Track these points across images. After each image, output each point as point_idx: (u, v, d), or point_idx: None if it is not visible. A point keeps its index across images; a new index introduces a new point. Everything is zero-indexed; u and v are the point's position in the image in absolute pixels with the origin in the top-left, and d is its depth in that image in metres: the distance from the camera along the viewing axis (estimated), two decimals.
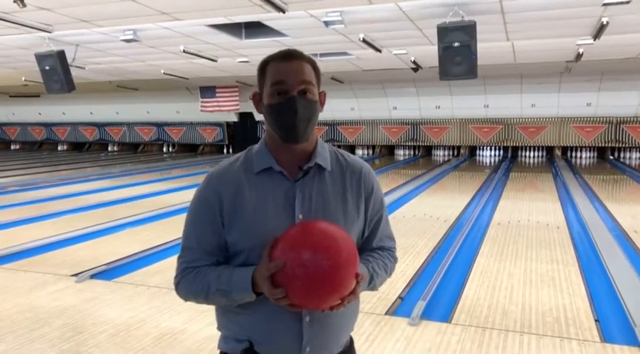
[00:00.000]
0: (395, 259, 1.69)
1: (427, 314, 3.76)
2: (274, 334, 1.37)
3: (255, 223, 1.36)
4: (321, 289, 1.25)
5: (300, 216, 1.37)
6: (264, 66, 1.39)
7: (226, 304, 1.38)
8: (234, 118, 19.30)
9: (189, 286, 1.40)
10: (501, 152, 17.39)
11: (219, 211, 1.38)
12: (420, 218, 7.33)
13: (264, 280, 1.27)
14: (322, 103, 1.43)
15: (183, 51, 9.43)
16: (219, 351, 1.48)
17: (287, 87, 1.34)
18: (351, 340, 1.54)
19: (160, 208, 8.08)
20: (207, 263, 1.40)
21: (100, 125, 21.94)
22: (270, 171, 1.39)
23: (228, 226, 1.37)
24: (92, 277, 4.75)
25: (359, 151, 19.01)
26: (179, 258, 1.45)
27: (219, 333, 1.50)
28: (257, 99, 1.42)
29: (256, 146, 1.45)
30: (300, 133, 1.36)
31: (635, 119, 15.55)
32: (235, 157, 1.45)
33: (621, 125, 15.74)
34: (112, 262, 5.17)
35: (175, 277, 1.44)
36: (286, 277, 1.25)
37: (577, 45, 9.11)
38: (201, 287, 1.37)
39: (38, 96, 19.57)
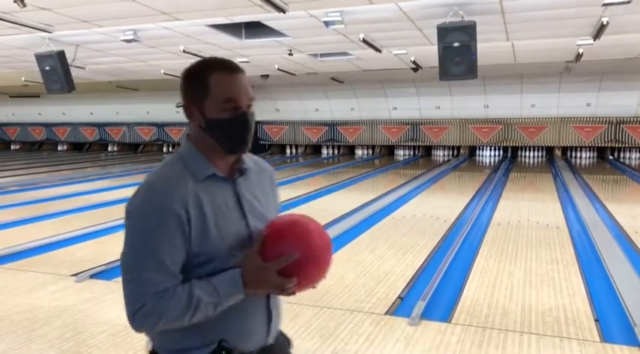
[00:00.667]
0: None
1: (427, 314, 3.76)
2: (250, 325, 1.42)
3: (218, 228, 1.35)
4: (327, 267, 1.41)
5: (250, 215, 1.42)
6: (204, 76, 1.36)
7: (209, 315, 1.32)
8: None
9: (167, 311, 1.28)
10: (501, 152, 17.40)
11: (187, 220, 1.30)
12: (419, 218, 7.33)
13: (269, 275, 1.31)
14: None
15: (183, 51, 9.43)
16: None
17: (238, 103, 1.36)
18: None
19: None
20: (173, 284, 1.30)
21: (100, 125, 21.95)
22: (214, 177, 1.40)
23: (196, 235, 1.32)
24: (92, 277, 4.75)
25: (359, 152, 19.02)
26: (136, 286, 1.28)
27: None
28: (192, 111, 1.39)
29: (186, 154, 1.42)
30: (247, 144, 1.42)
31: (635, 119, 15.56)
32: (170, 166, 1.41)
33: (621, 125, 15.74)
34: (112, 262, 5.16)
35: (139, 307, 1.27)
36: (300, 265, 1.33)
37: (577, 45, 9.11)
38: (187, 307, 1.28)
39: (38, 96, 19.58)
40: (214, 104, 1.36)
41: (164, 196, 1.32)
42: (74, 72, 9.34)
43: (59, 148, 23.35)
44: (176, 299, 1.28)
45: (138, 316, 1.30)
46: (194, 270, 1.34)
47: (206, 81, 1.35)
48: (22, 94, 19.70)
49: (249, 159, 1.52)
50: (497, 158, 17.09)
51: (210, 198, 1.36)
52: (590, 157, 16.56)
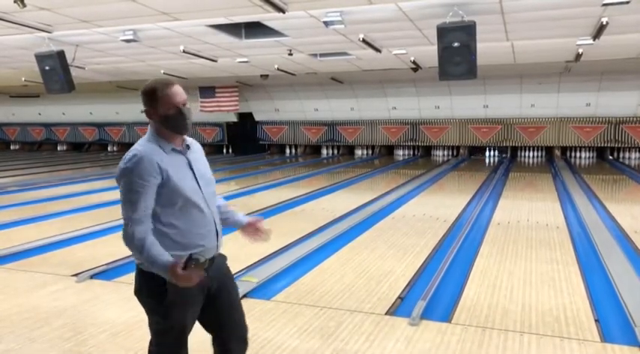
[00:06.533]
0: None
1: (427, 314, 3.76)
2: (208, 242, 2.22)
3: (180, 182, 2.13)
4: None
5: (196, 172, 2.22)
6: (154, 92, 2.17)
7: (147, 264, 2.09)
8: (234, 119, 19.30)
9: (140, 235, 2.05)
10: (496, 152, 17.42)
11: (161, 177, 2.08)
12: (420, 218, 7.34)
13: (184, 275, 2.01)
14: None
15: (183, 51, 9.43)
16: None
17: (182, 102, 2.18)
18: None
19: None
20: (147, 215, 2.09)
21: (99, 125, 21.94)
22: (174, 150, 2.19)
23: (166, 185, 2.09)
24: (92, 277, 4.75)
25: (358, 152, 19.02)
26: (127, 215, 2.07)
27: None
28: (151, 113, 2.19)
29: (152, 138, 2.20)
30: (189, 128, 2.21)
31: (635, 119, 15.56)
32: (146, 144, 2.17)
33: (621, 125, 15.74)
34: (112, 262, 5.17)
35: (137, 232, 2.05)
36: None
37: (577, 45, 9.11)
38: (140, 250, 2.06)
39: (38, 96, 19.57)
40: (166, 105, 2.18)
41: (145, 160, 2.07)
42: (74, 72, 9.33)
43: (59, 148, 23.34)
44: (139, 240, 2.05)
45: (140, 239, 2.06)
46: (170, 205, 2.12)
47: (155, 94, 2.19)
48: (22, 94, 19.69)
49: (190, 140, 2.32)
50: (496, 158, 17.09)
51: (174, 163, 2.15)
52: (589, 157, 16.56)
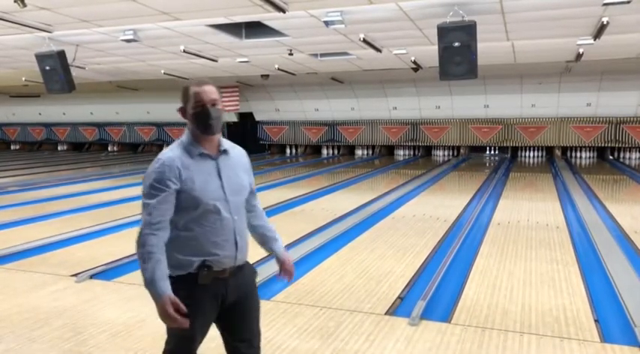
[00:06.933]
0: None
1: (427, 314, 3.76)
2: (223, 251, 2.14)
3: (202, 186, 2.09)
4: None
5: (224, 179, 2.15)
6: (187, 90, 2.16)
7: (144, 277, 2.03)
8: (235, 118, 19.30)
9: (144, 247, 2.02)
10: (496, 152, 17.40)
11: (179, 183, 2.06)
12: (420, 218, 7.33)
13: (171, 316, 1.99)
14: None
15: (184, 51, 9.43)
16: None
17: (211, 101, 2.14)
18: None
19: None
20: (166, 226, 2.07)
21: (100, 125, 21.95)
22: (202, 154, 2.14)
23: (185, 191, 2.06)
24: (92, 277, 4.75)
25: (359, 152, 19.02)
26: (145, 219, 2.05)
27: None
28: (183, 111, 2.20)
29: (183, 141, 2.17)
30: (216, 128, 2.15)
31: (635, 119, 15.56)
32: (172, 149, 2.15)
33: (621, 125, 15.74)
34: (111, 262, 5.17)
35: (149, 242, 2.01)
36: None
37: (577, 45, 9.11)
38: (148, 263, 2.00)
39: (38, 96, 19.58)
40: (191, 104, 2.16)
41: (165, 167, 2.06)
42: (74, 72, 9.33)
43: (59, 148, 23.35)
44: (148, 253, 2.01)
45: (148, 238, 2.02)
46: (188, 210, 2.08)
47: (188, 93, 2.17)
48: (22, 94, 19.70)
49: (232, 146, 2.28)
50: (495, 158, 17.10)
51: (199, 168, 2.11)
52: (590, 157, 16.56)
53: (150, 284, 2.00)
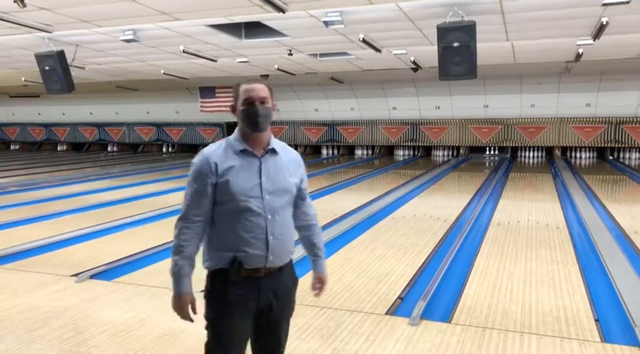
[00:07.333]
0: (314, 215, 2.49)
1: (427, 314, 3.76)
2: (253, 250, 2.11)
3: (239, 182, 2.11)
4: None
5: (264, 178, 2.14)
6: (237, 88, 2.20)
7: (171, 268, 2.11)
8: (234, 119, 19.18)
9: (183, 241, 2.10)
10: (496, 152, 17.39)
11: (215, 176, 2.10)
12: (420, 218, 7.34)
13: (183, 312, 2.11)
14: (273, 110, 2.24)
15: (183, 51, 9.43)
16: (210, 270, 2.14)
17: (259, 99, 2.16)
18: (290, 259, 2.32)
19: (159, 208, 8.08)
20: (204, 218, 2.12)
21: (99, 125, 21.95)
22: (245, 151, 2.16)
23: (221, 184, 2.10)
24: (92, 277, 4.75)
25: (358, 152, 19.02)
26: (183, 210, 2.14)
27: None
28: (233, 108, 2.23)
29: (231, 137, 2.22)
30: (262, 126, 2.18)
31: (635, 119, 15.56)
32: (217, 143, 2.21)
33: (621, 125, 15.75)
34: (112, 262, 5.17)
35: (182, 233, 2.09)
36: None
37: (577, 45, 9.11)
38: (178, 256, 2.09)
39: (38, 96, 19.58)
40: (240, 101, 2.19)
41: (203, 161, 2.13)
42: (74, 72, 9.33)
43: (59, 148, 23.35)
44: (180, 245, 2.10)
45: (182, 227, 2.11)
46: (222, 204, 2.11)
47: (237, 90, 2.21)
48: (22, 94, 19.69)
49: (283, 147, 2.28)
50: (495, 158, 17.10)
51: (239, 164, 2.13)
52: (589, 158, 16.56)
53: (174, 277, 2.09)
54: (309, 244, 2.47)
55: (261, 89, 2.17)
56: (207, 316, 2.14)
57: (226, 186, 2.09)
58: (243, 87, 2.18)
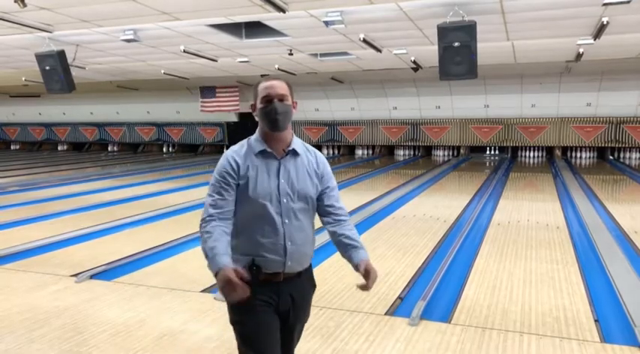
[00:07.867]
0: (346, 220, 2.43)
1: (427, 314, 3.76)
2: (271, 254, 2.09)
3: (256, 183, 2.08)
4: None
5: (282, 180, 2.10)
6: (256, 86, 2.15)
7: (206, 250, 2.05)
8: (234, 118, 19.30)
9: (204, 229, 2.07)
10: (497, 152, 17.37)
11: (237, 176, 2.09)
12: (420, 218, 7.33)
13: (232, 281, 1.93)
14: (293, 107, 2.18)
15: (184, 51, 9.43)
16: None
17: (277, 96, 2.10)
18: (310, 263, 2.30)
19: (159, 208, 8.09)
20: (227, 209, 2.10)
21: (100, 125, 21.95)
22: (265, 152, 2.12)
23: (242, 184, 2.09)
24: (92, 277, 4.75)
25: (359, 152, 19.02)
26: (206, 206, 2.11)
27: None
28: (253, 107, 2.18)
29: (252, 137, 2.18)
30: (281, 125, 2.11)
31: (635, 119, 15.55)
32: (239, 144, 2.19)
33: (621, 125, 15.73)
34: (112, 262, 5.17)
35: (206, 223, 2.07)
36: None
37: (577, 45, 9.11)
38: (208, 243, 2.03)
39: (38, 96, 19.58)
40: (259, 99, 2.14)
41: (225, 161, 2.12)
42: (74, 72, 9.33)
43: (59, 148, 23.35)
44: (205, 233, 2.06)
45: (206, 222, 2.07)
46: (242, 205, 2.10)
47: (257, 88, 2.16)
48: (22, 94, 19.70)
49: (305, 148, 2.22)
50: (495, 158, 17.09)
51: (259, 165, 2.10)
52: (590, 157, 16.55)
53: (210, 261, 1.99)
54: (342, 239, 2.37)
55: (279, 86, 2.12)
56: (232, 321, 2.12)
57: (246, 188, 2.07)
58: (262, 85, 2.13)
